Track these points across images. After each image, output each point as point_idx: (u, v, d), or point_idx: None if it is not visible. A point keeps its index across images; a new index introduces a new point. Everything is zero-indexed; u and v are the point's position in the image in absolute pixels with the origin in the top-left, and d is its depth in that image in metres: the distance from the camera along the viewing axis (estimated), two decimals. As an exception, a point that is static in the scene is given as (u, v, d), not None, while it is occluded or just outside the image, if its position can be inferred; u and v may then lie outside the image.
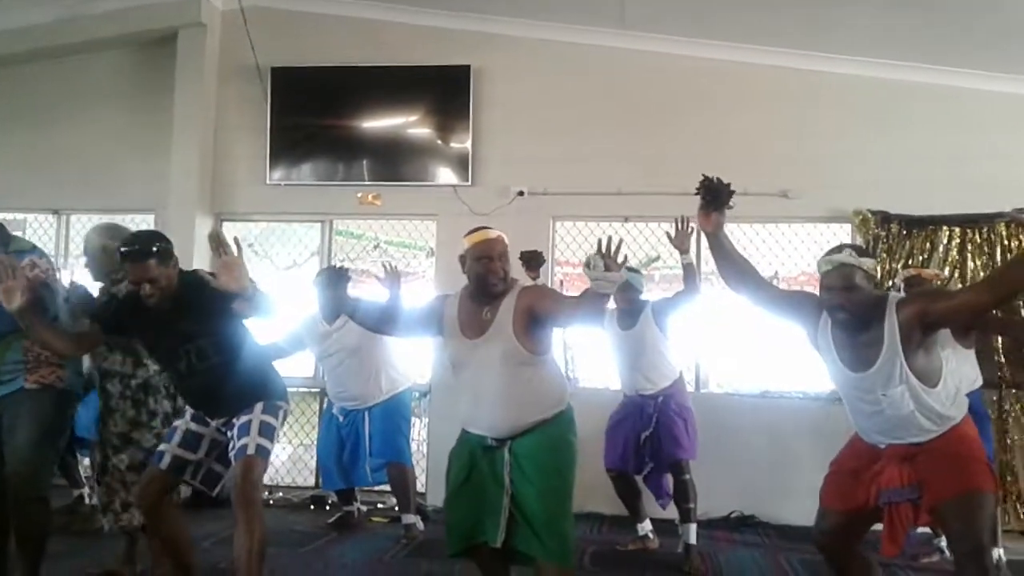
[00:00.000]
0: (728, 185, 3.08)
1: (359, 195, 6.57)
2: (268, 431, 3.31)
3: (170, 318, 3.25)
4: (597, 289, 2.75)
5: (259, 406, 3.34)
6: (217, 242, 3.26)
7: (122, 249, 3.18)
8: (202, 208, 6.65)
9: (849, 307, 2.81)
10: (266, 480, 5.77)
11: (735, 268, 3.16)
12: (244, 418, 3.29)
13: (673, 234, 4.48)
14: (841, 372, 2.94)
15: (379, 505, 5.92)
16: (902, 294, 2.89)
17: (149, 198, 6.67)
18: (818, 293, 2.95)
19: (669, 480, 4.78)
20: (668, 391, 4.76)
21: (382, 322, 3.40)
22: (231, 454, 3.29)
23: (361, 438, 5.11)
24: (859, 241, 5.96)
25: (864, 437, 3.02)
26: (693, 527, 4.65)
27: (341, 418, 5.19)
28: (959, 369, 4.01)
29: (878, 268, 2.86)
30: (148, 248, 3.17)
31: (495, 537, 3.09)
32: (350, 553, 4.71)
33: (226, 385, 3.28)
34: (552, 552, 3.06)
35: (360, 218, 7.03)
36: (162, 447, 3.36)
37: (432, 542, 4.90)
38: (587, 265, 2.74)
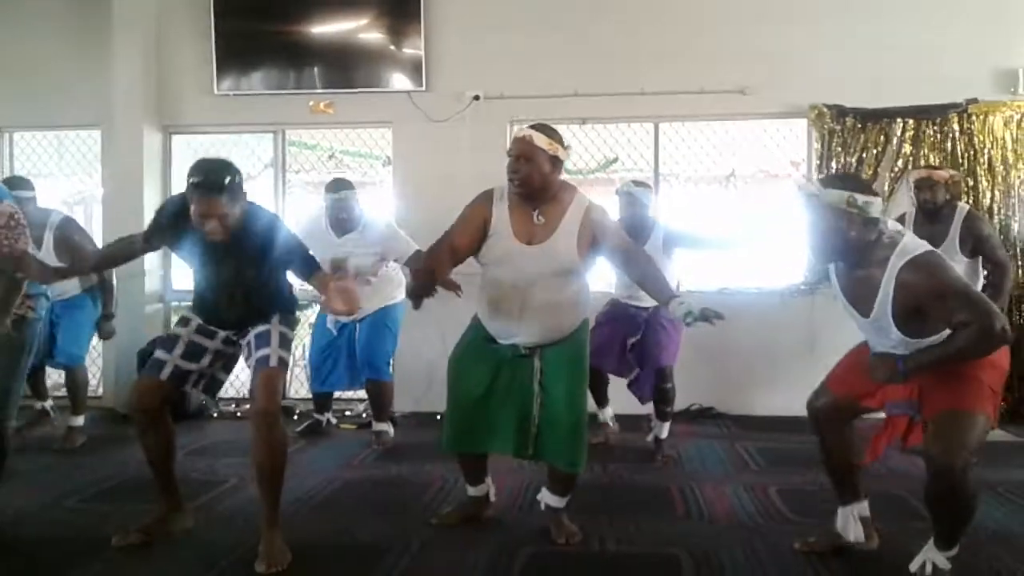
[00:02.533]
0: None
1: (311, 103, 6.41)
2: (286, 343, 3.27)
3: (226, 252, 3.12)
4: None
5: (276, 317, 3.27)
6: (336, 267, 3.16)
7: (192, 180, 2.98)
8: (148, 121, 6.45)
9: (808, 235, 2.85)
10: (232, 392, 5.84)
11: None
12: (262, 328, 3.23)
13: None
14: (848, 308, 2.98)
15: (347, 413, 6.00)
16: (916, 250, 2.74)
17: (94, 112, 6.45)
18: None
19: (651, 387, 4.93)
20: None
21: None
22: (249, 362, 3.23)
23: (353, 346, 5.15)
24: (815, 136, 6.00)
25: None
26: (667, 424, 4.87)
27: (335, 331, 5.16)
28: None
29: (868, 204, 2.79)
30: (221, 181, 2.97)
31: (520, 449, 3.19)
32: (321, 459, 4.80)
33: (253, 307, 3.24)
34: (576, 460, 3.20)
35: (313, 127, 6.87)
36: (162, 356, 3.24)
37: (401, 446, 5.01)
38: None
